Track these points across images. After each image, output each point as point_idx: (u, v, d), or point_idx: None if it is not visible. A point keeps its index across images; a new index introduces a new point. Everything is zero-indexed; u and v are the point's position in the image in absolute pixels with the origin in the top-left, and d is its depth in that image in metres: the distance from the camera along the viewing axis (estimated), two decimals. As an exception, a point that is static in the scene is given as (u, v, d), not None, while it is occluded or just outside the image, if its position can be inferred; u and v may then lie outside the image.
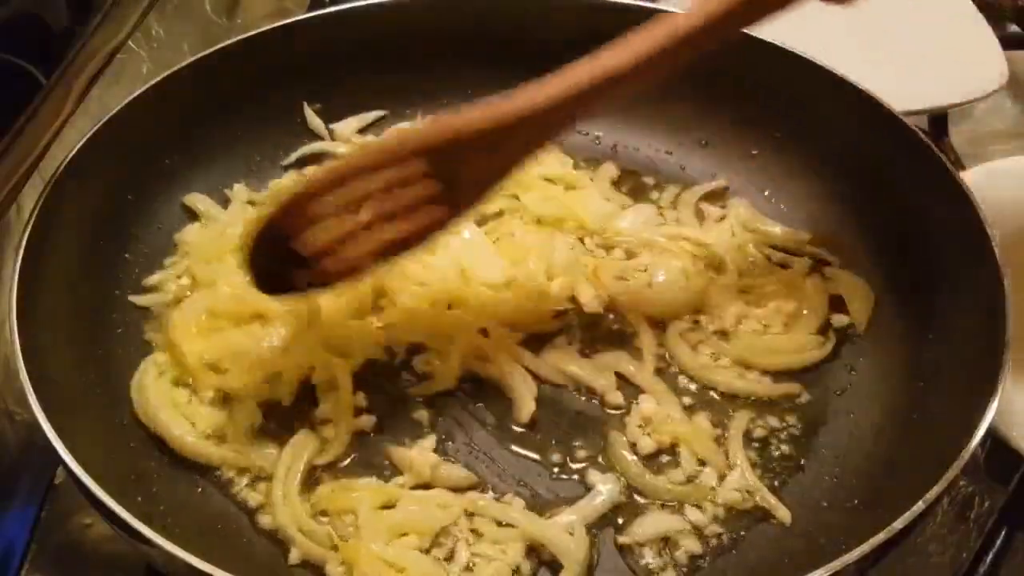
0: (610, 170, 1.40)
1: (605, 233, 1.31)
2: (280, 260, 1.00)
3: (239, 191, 1.33)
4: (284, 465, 1.06)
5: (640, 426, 1.12)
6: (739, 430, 1.12)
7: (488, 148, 1.01)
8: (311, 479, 1.06)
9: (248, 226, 1.01)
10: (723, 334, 1.21)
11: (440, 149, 0.99)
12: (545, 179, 1.37)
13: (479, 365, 1.15)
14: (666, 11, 1.39)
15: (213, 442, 1.07)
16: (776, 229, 1.33)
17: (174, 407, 1.09)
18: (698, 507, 1.06)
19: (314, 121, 1.41)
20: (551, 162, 1.39)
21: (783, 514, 1.05)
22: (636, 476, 1.08)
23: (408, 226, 1.02)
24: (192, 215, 1.30)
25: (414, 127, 1.05)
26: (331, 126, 1.42)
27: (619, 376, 1.16)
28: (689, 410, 1.14)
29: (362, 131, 1.43)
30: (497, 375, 1.15)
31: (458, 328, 1.17)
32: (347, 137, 1.42)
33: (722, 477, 1.08)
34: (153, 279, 1.23)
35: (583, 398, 1.15)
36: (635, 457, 1.09)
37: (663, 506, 1.06)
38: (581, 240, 1.31)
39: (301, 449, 1.07)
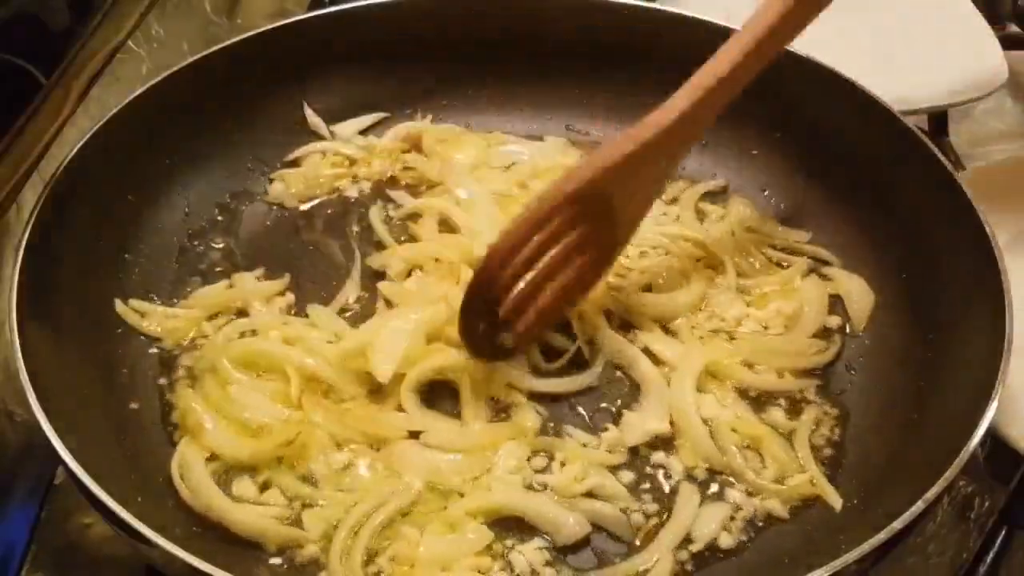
0: None
1: None
2: (486, 324, 1.09)
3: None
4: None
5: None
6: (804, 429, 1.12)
7: (630, 178, 1.08)
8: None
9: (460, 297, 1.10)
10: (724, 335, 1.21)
11: (589, 190, 1.06)
12: (554, 170, 1.37)
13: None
14: (671, 12, 1.41)
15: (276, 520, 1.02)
16: (776, 229, 1.33)
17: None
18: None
19: (314, 120, 1.41)
20: (560, 151, 1.40)
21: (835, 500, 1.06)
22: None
23: (578, 271, 1.11)
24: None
25: (561, 176, 1.09)
26: (332, 127, 1.42)
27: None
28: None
29: (363, 132, 1.43)
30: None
31: None
32: (347, 138, 1.42)
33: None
34: (143, 306, 1.19)
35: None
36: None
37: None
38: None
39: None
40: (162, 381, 1.14)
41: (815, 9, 1.11)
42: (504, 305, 1.08)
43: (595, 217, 1.09)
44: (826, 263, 1.28)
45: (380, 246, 1.29)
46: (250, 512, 1.02)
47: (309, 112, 1.41)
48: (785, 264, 1.29)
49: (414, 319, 1.14)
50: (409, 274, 1.24)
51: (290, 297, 1.23)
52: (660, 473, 1.08)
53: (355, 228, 1.32)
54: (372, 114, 1.44)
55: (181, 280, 1.25)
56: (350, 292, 1.24)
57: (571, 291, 1.13)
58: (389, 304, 1.21)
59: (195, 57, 1.30)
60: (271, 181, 1.37)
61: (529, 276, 1.08)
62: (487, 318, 1.09)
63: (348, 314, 1.21)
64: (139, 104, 1.23)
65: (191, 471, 1.03)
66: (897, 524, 0.89)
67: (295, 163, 1.39)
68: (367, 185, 1.37)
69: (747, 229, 1.32)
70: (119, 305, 1.18)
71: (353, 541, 1.00)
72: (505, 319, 1.09)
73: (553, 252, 1.08)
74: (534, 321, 1.11)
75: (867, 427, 1.13)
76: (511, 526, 1.03)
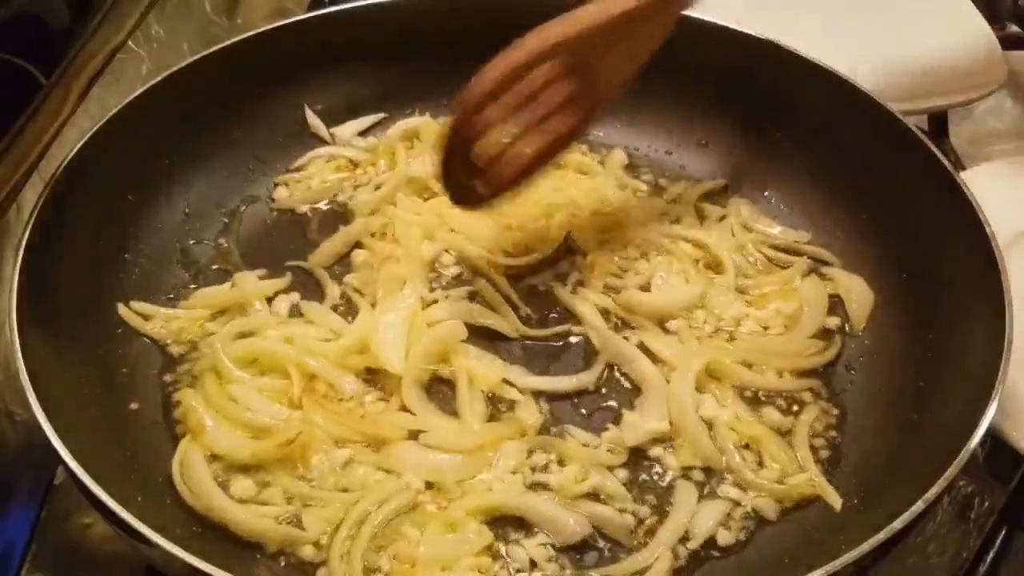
0: (620, 156, 1.41)
1: (614, 217, 1.32)
2: (464, 172, 1.13)
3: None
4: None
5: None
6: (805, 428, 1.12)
7: (618, 38, 1.11)
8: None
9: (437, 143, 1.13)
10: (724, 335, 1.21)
11: (578, 41, 1.09)
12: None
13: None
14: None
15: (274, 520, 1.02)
16: (776, 229, 1.33)
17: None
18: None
19: (314, 121, 1.41)
20: None
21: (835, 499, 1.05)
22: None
23: (556, 128, 1.14)
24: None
25: (549, 24, 1.11)
26: (332, 130, 1.42)
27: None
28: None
29: (362, 134, 1.43)
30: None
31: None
32: (347, 140, 1.41)
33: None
34: (146, 308, 1.19)
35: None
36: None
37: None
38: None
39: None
40: (163, 380, 1.14)
41: None
42: (479, 152, 1.11)
43: (573, 75, 1.12)
44: (826, 263, 1.28)
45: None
46: (250, 512, 1.01)
47: (310, 114, 1.41)
48: (785, 264, 1.29)
49: (404, 308, 1.16)
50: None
51: (293, 296, 1.23)
52: (658, 471, 1.08)
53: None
54: (372, 115, 1.44)
55: (182, 280, 1.25)
56: (333, 290, 1.24)
57: (546, 147, 1.15)
58: (360, 294, 1.22)
59: (195, 57, 1.30)
60: (276, 186, 1.37)
61: (506, 126, 1.11)
62: (464, 166, 1.12)
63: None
64: (139, 104, 1.23)
65: (192, 471, 1.03)
66: (897, 524, 0.89)
67: (298, 167, 1.39)
68: (370, 186, 1.37)
69: (747, 229, 1.32)
70: (122, 308, 1.18)
71: (353, 541, 1.00)
72: (481, 167, 1.12)
73: (531, 107, 1.11)
74: (509, 173, 1.14)
75: (867, 427, 1.12)
76: (513, 522, 1.03)
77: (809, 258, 1.29)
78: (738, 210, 1.34)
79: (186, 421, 1.08)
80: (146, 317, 1.19)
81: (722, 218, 1.34)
